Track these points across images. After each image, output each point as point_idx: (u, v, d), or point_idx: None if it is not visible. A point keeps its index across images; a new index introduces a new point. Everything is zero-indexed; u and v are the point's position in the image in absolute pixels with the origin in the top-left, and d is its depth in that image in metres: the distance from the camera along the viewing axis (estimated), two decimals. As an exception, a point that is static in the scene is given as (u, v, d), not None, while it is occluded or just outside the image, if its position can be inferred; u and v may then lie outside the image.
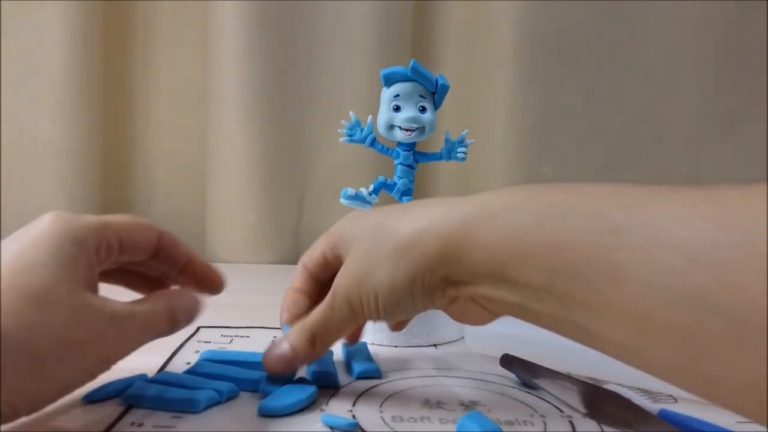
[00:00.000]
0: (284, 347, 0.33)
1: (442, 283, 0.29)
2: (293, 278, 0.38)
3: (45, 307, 0.24)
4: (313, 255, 0.37)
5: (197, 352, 0.42)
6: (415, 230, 0.29)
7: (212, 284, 0.36)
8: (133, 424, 0.30)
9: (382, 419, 0.32)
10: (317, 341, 0.33)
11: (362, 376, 0.38)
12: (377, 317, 0.31)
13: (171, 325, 0.31)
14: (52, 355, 0.24)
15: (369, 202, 0.52)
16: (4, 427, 0.19)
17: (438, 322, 0.47)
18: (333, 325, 0.33)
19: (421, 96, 0.49)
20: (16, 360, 0.23)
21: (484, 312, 0.30)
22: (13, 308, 0.24)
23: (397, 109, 0.49)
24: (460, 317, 0.32)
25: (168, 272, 0.35)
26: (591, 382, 0.36)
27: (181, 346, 0.43)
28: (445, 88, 0.50)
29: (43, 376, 0.24)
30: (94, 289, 0.28)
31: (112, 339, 0.27)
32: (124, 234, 0.30)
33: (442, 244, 0.28)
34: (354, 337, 0.41)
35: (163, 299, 0.31)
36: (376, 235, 0.31)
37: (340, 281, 0.32)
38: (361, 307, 0.31)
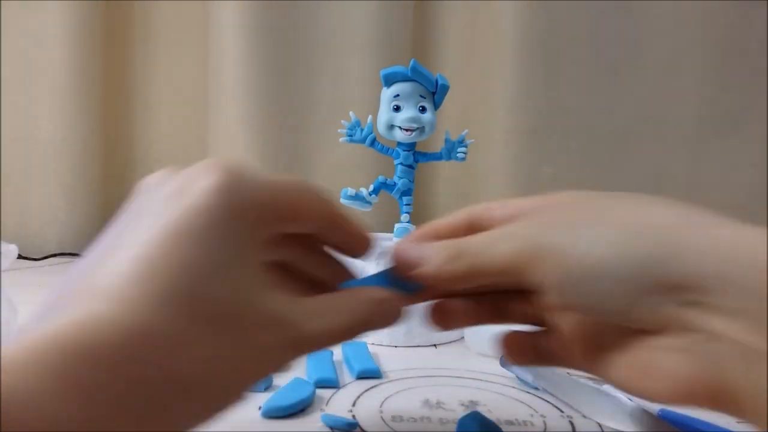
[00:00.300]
0: (417, 250, 0.24)
1: (668, 293, 0.19)
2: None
3: (223, 332, 0.18)
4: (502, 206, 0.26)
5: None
6: (664, 213, 0.23)
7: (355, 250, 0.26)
8: (133, 424, 0.30)
9: (382, 419, 0.32)
10: (460, 260, 0.23)
11: (362, 376, 0.38)
12: (542, 292, 0.22)
13: (348, 339, 0.23)
14: (199, 380, 0.18)
15: (369, 202, 0.52)
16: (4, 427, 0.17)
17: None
18: (493, 254, 0.23)
19: (421, 96, 0.49)
20: (159, 389, 0.17)
21: (689, 368, 0.19)
22: (187, 330, 0.17)
23: (397, 109, 0.49)
24: (642, 370, 0.21)
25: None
26: (591, 381, 0.36)
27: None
28: (445, 88, 0.50)
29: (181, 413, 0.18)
30: (266, 282, 0.20)
31: (278, 365, 0.21)
32: (290, 203, 0.22)
33: (699, 240, 0.21)
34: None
35: (345, 308, 0.23)
36: (592, 201, 0.24)
37: (523, 226, 0.23)
38: (529, 267, 0.22)
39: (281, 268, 0.26)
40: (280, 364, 0.21)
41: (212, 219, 0.19)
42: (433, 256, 0.24)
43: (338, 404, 0.34)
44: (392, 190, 0.52)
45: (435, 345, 0.47)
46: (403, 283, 0.25)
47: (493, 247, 0.23)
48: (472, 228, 0.26)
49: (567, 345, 0.25)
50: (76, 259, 0.80)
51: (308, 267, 0.27)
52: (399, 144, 0.51)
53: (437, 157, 0.52)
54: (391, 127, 0.50)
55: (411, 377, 0.39)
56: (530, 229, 0.23)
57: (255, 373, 0.20)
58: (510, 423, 0.32)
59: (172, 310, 0.17)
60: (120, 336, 0.16)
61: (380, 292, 0.24)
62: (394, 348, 0.46)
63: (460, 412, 0.32)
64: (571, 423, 0.32)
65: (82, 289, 0.18)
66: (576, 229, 0.21)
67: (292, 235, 0.24)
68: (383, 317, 0.24)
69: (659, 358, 0.20)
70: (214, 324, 0.18)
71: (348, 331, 0.23)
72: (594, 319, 0.23)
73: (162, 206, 0.19)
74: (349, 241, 0.26)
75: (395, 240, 0.26)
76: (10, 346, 0.16)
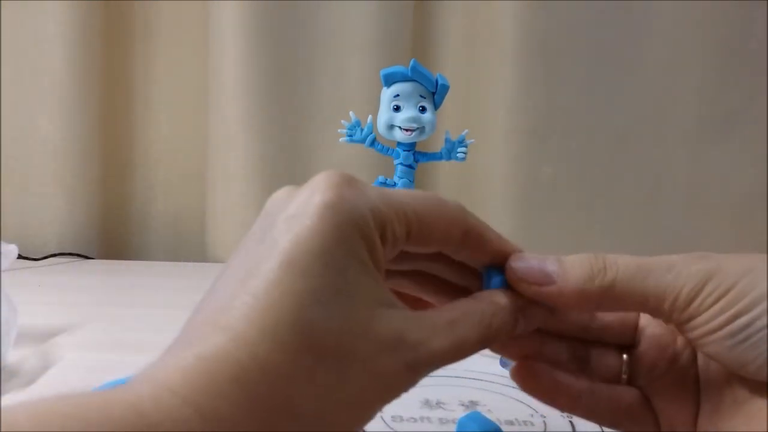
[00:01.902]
0: (550, 265, 0.22)
1: None
2: None
3: (339, 364, 0.17)
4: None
5: (197, 352, 0.42)
6: None
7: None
8: (133, 424, 0.30)
9: (382, 419, 0.32)
10: (605, 276, 0.21)
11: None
12: (686, 326, 0.21)
13: (479, 350, 0.21)
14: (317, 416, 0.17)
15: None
16: (21, 408, 0.17)
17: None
18: (651, 281, 0.21)
19: (421, 96, 0.49)
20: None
21: None
22: (304, 365, 0.17)
23: (397, 109, 0.49)
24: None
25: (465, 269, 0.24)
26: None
27: (181, 346, 0.43)
28: (445, 88, 0.50)
29: None
30: (383, 301, 0.19)
31: (400, 389, 0.19)
32: (416, 223, 0.21)
33: None
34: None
35: (476, 317, 0.21)
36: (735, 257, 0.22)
37: (682, 258, 0.21)
38: (707, 300, 0.20)
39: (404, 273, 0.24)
40: (401, 389, 0.19)
41: (323, 240, 0.18)
42: (570, 272, 0.21)
43: (338, 404, 0.34)
44: (392, 190, 0.52)
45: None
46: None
47: (657, 274, 0.21)
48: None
49: (662, 403, 0.24)
50: (75, 259, 0.80)
51: (438, 272, 0.24)
52: (399, 144, 0.51)
53: (437, 157, 0.52)
54: (391, 127, 0.50)
55: (411, 377, 0.39)
56: (701, 266, 0.21)
57: (374, 402, 0.19)
58: (510, 423, 0.32)
59: (286, 346, 0.17)
60: (239, 372, 0.16)
61: (524, 298, 0.22)
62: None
63: (460, 412, 0.32)
64: (571, 423, 0.33)
65: (206, 321, 0.18)
66: (751, 276, 0.20)
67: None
68: (528, 323, 0.22)
69: None
70: (328, 356, 0.17)
71: (480, 345, 0.21)
72: (732, 372, 0.21)
73: (280, 233, 0.19)
74: (493, 260, 0.23)
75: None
76: (135, 382, 0.17)
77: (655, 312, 0.21)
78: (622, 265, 0.21)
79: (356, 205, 0.19)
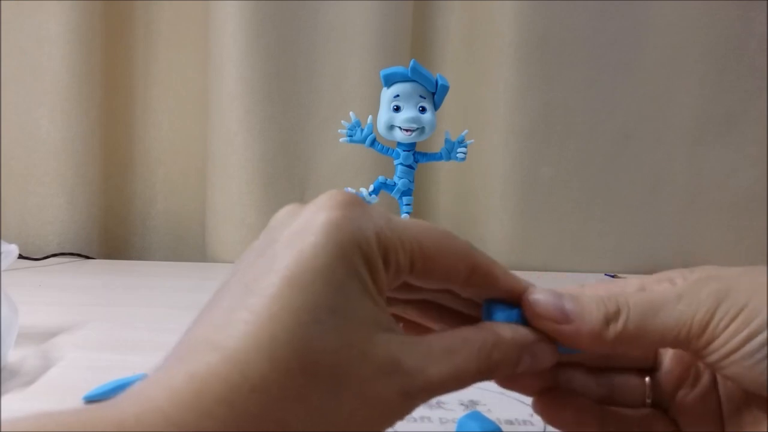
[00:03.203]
0: (567, 303, 0.21)
1: None
2: None
3: (333, 385, 0.17)
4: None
5: (197, 352, 0.42)
6: None
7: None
8: (133, 424, 0.30)
9: (382, 419, 0.32)
10: (619, 320, 0.21)
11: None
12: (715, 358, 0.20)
13: (478, 381, 0.20)
14: None
15: (369, 202, 0.52)
16: (3, 426, 0.17)
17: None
18: (664, 317, 0.21)
19: (421, 96, 0.49)
20: None
21: None
22: (296, 385, 0.17)
23: (397, 109, 0.49)
24: None
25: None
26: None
27: (182, 346, 0.43)
28: (445, 89, 0.50)
29: None
30: (381, 325, 0.19)
31: (395, 416, 0.19)
32: (420, 255, 0.20)
33: None
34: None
35: (475, 347, 0.20)
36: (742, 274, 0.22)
37: (718, 283, 0.21)
38: (721, 323, 0.20)
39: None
40: (396, 416, 0.19)
41: (326, 259, 0.18)
42: (586, 313, 0.21)
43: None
44: (392, 191, 0.52)
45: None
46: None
47: (667, 308, 0.20)
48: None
49: (689, 424, 0.23)
50: (76, 259, 0.80)
51: (444, 302, 0.23)
52: (399, 144, 0.51)
53: (437, 157, 0.52)
54: (391, 127, 0.50)
55: (411, 377, 0.39)
56: (711, 289, 0.20)
57: (366, 426, 0.18)
58: (510, 423, 0.32)
59: (279, 365, 0.16)
60: (228, 391, 0.16)
61: (532, 335, 0.21)
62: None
63: (460, 412, 0.32)
64: (571, 423, 0.32)
65: (200, 338, 0.18)
66: (762, 294, 0.20)
67: None
68: (534, 362, 0.21)
69: None
70: (322, 377, 0.17)
71: (479, 376, 0.20)
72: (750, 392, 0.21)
73: (283, 249, 0.18)
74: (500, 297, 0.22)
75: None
76: (124, 398, 0.16)
77: (673, 344, 0.21)
78: (633, 305, 0.21)
79: (361, 226, 0.19)
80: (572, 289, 0.23)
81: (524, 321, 0.21)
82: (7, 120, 0.81)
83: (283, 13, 0.82)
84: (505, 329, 0.21)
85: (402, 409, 0.19)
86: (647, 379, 0.24)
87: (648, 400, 0.24)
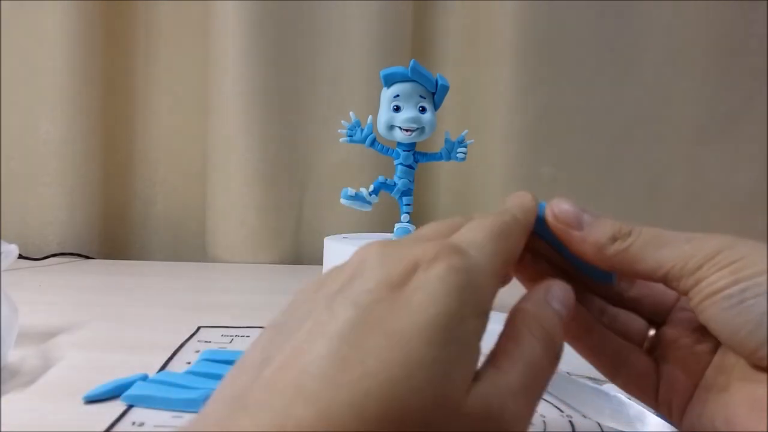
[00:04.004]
0: (585, 215, 0.23)
1: None
2: None
3: None
4: None
5: (197, 351, 0.42)
6: None
7: None
8: (133, 423, 0.30)
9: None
10: (626, 241, 0.22)
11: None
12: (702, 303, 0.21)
13: (555, 355, 0.21)
14: None
15: (369, 202, 0.52)
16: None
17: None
18: (668, 251, 0.22)
19: (421, 96, 0.49)
20: None
21: None
22: (360, 426, 0.16)
23: (397, 109, 0.49)
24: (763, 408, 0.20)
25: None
26: (590, 381, 0.36)
27: (182, 346, 0.43)
28: (445, 89, 0.50)
29: None
30: (474, 371, 0.18)
31: None
32: (511, 259, 0.22)
33: None
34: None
35: (526, 346, 0.20)
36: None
37: (700, 236, 0.22)
38: (715, 266, 0.21)
39: None
40: None
41: (439, 315, 0.17)
42: (597, 226, 0.23)
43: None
44: (392, 190, 0.52)
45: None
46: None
47: (675, 243, 0.22)
48: None
49: (672, 374, 0.24)
50: (76, 259, 0.80)
51: None
52: (399, 144, 0.51)
53: (437, 157, 0.52)
54: (391, 127, 0.50)
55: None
56: (717, 240, 0.22)
57: None
58: (510, 423, 0.32)
59: (365, 416, 0.16)
60: None
61: (540, 287, 0.22)
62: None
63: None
64: (571, 423, 0.32)
65: (275, 385, 0.17)
66: (761, 252, 0.21)
67: None
68: (564, 305, 0.22)
69: None
70: (411, 430, 0.16)
71: (549, 354, 0.20)
72: (731, 349, 0.22)
73: (382, 300, 0.18)
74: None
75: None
76: None
77: (666, 278, 0.22)
78: (644, 232, 0.23)
79: (474, 275, 0.19)
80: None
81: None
82: (7, 120, 0.81)
83: (283, 13, 0.82)
84: (523, 304, 0.21)
85: None
86: (652, 331, 0.25)
87: (645, 346, 0.26)
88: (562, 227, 0.23)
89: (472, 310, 0.18)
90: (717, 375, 0.23)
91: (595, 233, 0.23)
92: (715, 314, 0.21)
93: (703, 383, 0.23)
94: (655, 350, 0.25)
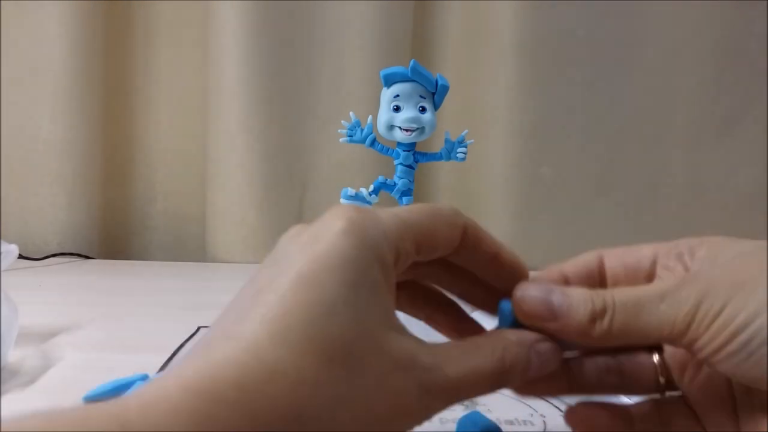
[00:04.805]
0: (555, 298, 0.22)
1: None
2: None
3: (349, 373, 0.17)
4: (629, 253, 0.26)
5: (197, 352, 0.42)
6: None
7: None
8: (133, 424, 0.30)
9: (382, 419, 0.32)
10: (604, 319, 0.21)
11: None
12: (706, 349, 0.20)
13: (496, 387, 0.21)
14: None
15: (369, 202, 0.52)
16: (3, 426, 0.16)
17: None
18: (647, 317, 0.21)
19: (421, 96, 0.49)
20: None
21: None
22: (313, 369, 0.17)
23: (397, 109, 0.49)
24: None
25: (462, 271, 0.24)
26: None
27: (182, 345, 0.43)
28: (445, 89, 0.50)
29: None
30: (394, 324, 0.20)
31: (415, 414, 0.19)
32: (422, 236, 0.21)
33: None
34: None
35: (488, 350, 0.21)
36: (747, 257, 0.23)
37: (679, 285, 0.21)
38: (702, 322, 0.20)
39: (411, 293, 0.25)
40: (416, 414, 0.19)
41: (340, 260, 0.18)
42: (573, 310, 0.21)
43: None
44: (392, 190, 0.52)
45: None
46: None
47: (652, 309, 0.21)
48: (601, 274, 0.25)
49: (704, 408, 0.24)
50: (76, 259, 0.80)
51: (434, 278, 0.25)
52: (399, 144, 0.51)
53: (437, 157, 0.52)
54: (391, 127, 0.50)
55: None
56: (691, 289, 0.21)
57: (386, 422, 0.18)
58: (510, 423, 0.32)
59: (295, 349, 0.17)
60: (242, 375, 0.16)
61: (533, 335, 0.22)
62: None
63: (460, 412, 0.32)
64: (571, 423, 0.32)
65: (216, 336, 0.18)
66: (742, 293, 0.20)
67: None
68: (541, 361, 0.21)
69: None
70: (339, 363, 0.17)
71: (496, 377, 0.20)
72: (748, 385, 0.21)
73: (295, 254, 0.19)
74: (496, 270, 0.24)
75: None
76: (130, 394, 0.17)
77: (660, 342, 0.22)
78: (618, 303, 0.21)
79: (372, 232, 0.20)
80: (571, 266, 0.25)
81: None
82: (7, 120, 0.81)
83: (283, 13, 0.81)
84: (510, 333, 0.22)
85: (421, 408, 0.19)
86: (656, 356, 0.25)
87: (661, 379, 0.24)
88: (537, 322, 0.22)
89: (373, 259, 0.19)
90: (747, 394, 0.22)
91: (572, 321, 0.21)
92: (728, 369, 0.20)
93: (741, 403, 0.22)
94: (673, 379, 0.25)
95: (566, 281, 0.25)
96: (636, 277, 0.25)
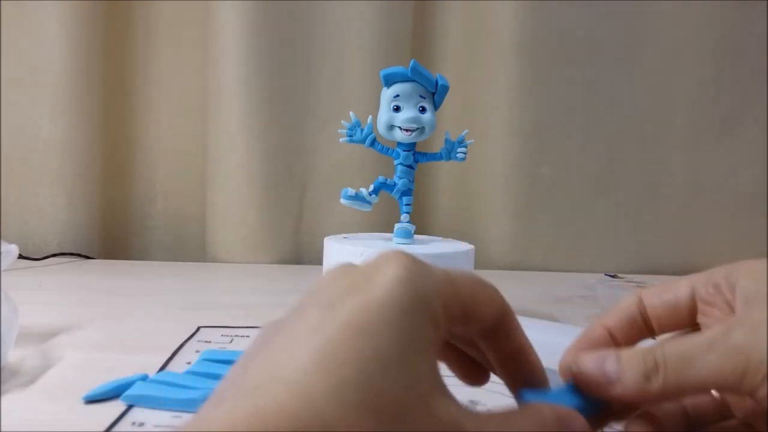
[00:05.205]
0: (609, 365, 0.22)
1: None
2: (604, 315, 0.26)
3: (388, 420, 0.17)
4: (667, 291, 0.25)
5: (197, 351, 0.42)
6: None
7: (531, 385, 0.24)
8: (133, 424, 0.30)
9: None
10: (658, 375, 0.21)
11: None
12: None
13: None
14: None
15: (369, 202, 0.52)
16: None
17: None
18: (698, 368, 0.21)
19: (421, 96, 0.49)
20: None
21: None
22: (365, 428, 0.16)
23: (397, 109, 0.49)
24: None
25: (486, 357, 0.24)
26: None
27: (182, 346, 0.43)
28: (445, 89, 0.50)
29: None
30: (442, 387, 0.20)
31: None
32: (469, 305, 0.21)
33: None
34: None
35: (526, 423, 0.21)
36: None
37: (726, 330, 0.21)
38: (758, 372, 0.20)
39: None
40: None
41: (395, 312, 0.18)
42: (627, 373, 0.22)
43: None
44: (392, 190, 0.52)
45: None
46: (587, 396, 0.22)
47: (701, 360, 0.21)
48: (644, 317, 0.25)
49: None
50: (76, 259, 0.79)
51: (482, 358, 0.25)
52: (399, 144, 0.51)
53: (437, 157, 0.52)
54: (391, 127, 0.50)
55: (411, 377, 0.39)
56: (738, 335, 0.21)
57: None
58: (510, 423, 0.32)
59: (349, 406, 0.16)
60: (297, 427, 0.16)
61: (567, 411, 0.22)
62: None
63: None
64: (571, 423, 0.32)
65: (264, 371, 0.18)
66: None
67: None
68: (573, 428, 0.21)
69: None
70: (391, 424, 0.17)
71: None
72: None
73: (347, 296, 0.19)
74: (516, 348, 0.24)
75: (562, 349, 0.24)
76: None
77: (717, 390, 0.22)
78: (668, 358, 0.21)
79: (426, 283, 0.19)
80: (613, 319, 0.25)
81: (569, 393, 0.23)
82: (7, 120, 0.81)
83: (283, 13, 0.82)
84: (544, 407, 0.22)
85: None
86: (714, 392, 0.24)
87: (721, 409, 0.25)
88: (596, 390, 0.22)
89: (427, 315, 0.19)
90: None
91: (629, 384, 0.21)
92: None
93: None
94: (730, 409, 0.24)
95: (611, 336, 0.25)
96: (678, 315, 0.25)
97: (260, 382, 0.17)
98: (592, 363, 0.22)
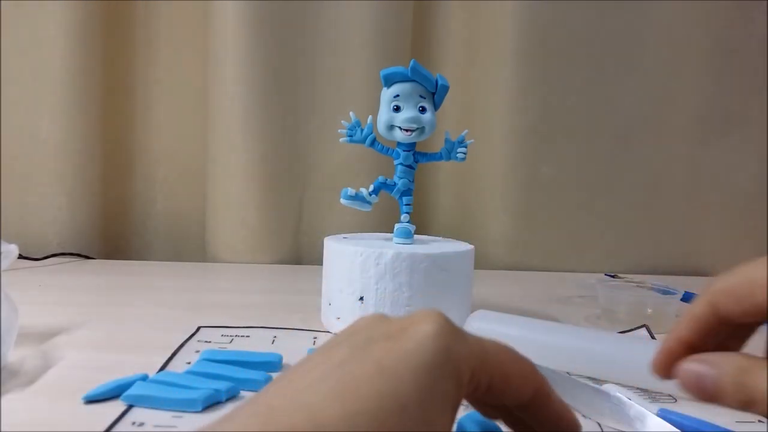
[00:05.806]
0: (709, 370, 0.22)
1: None
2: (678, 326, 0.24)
3: None
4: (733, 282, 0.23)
5: (197, 351, 0.42)
6: None
7: None
8: (133, 423, 0.30)
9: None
10: (757, 408, 0.21)
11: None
12: None
13: None
14: None
15: (369, 202, 0.52)
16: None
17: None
18: None
19: (421, 96, 0.49)
20: None
21: None
22: None
23: (397, 109, 0.49)
24: None
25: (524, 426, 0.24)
26: (591, 381, 0.36)
27: (182, 345, 0.43)
28: (445, 89, 0.50)
29: None
30: None
31: None
32: (497, 377, 0.22)
33: None
34: None
35: None
36: None
37: None
38: None
39: None
40: None
41: (421, 361, 0.19)
42: (724, 379, 0.21)
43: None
44: (392, 190, 0.52)
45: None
46: None
47: None
48: (718, 318, 0.23)
49: None
50: (76, 259, 0.79)
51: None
52: (399, 144, 0.51)
53: (437, 157, 0.52)
54: (391, 127, 0.50)
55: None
56: None
57: None
58: (510, 423, 0.32)
59: (358, 430, 0.17)
60: None
61: None
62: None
63: (460, 412, 0.32)
64: (571, 423, 0.32)
65: (284, 398, 0.18)
66: None
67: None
68: None
69: None
70: None
71: None
72: None
73: (374, 343, 0.20)
74: (554, 421, 0.24)
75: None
76: None
77: None
78: (751, 359, 0.21)
79: (457, 345, 0.20)
80: (687, 329, 0.24)
81: None
82: (7, 120, 0.81)
83: (283, 13, 0.81)
84: None
85: None
86: None
87: None
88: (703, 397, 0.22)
89: (450, 371, 0.20)
90: None
91: (727, 382, 0.21)
92: None
93: None
94: None
95: (691, 347, 0.24)
96: (756, 310, 0.23)
97: (277, 403, 0.18)
98: (692, 376, 0.22)
